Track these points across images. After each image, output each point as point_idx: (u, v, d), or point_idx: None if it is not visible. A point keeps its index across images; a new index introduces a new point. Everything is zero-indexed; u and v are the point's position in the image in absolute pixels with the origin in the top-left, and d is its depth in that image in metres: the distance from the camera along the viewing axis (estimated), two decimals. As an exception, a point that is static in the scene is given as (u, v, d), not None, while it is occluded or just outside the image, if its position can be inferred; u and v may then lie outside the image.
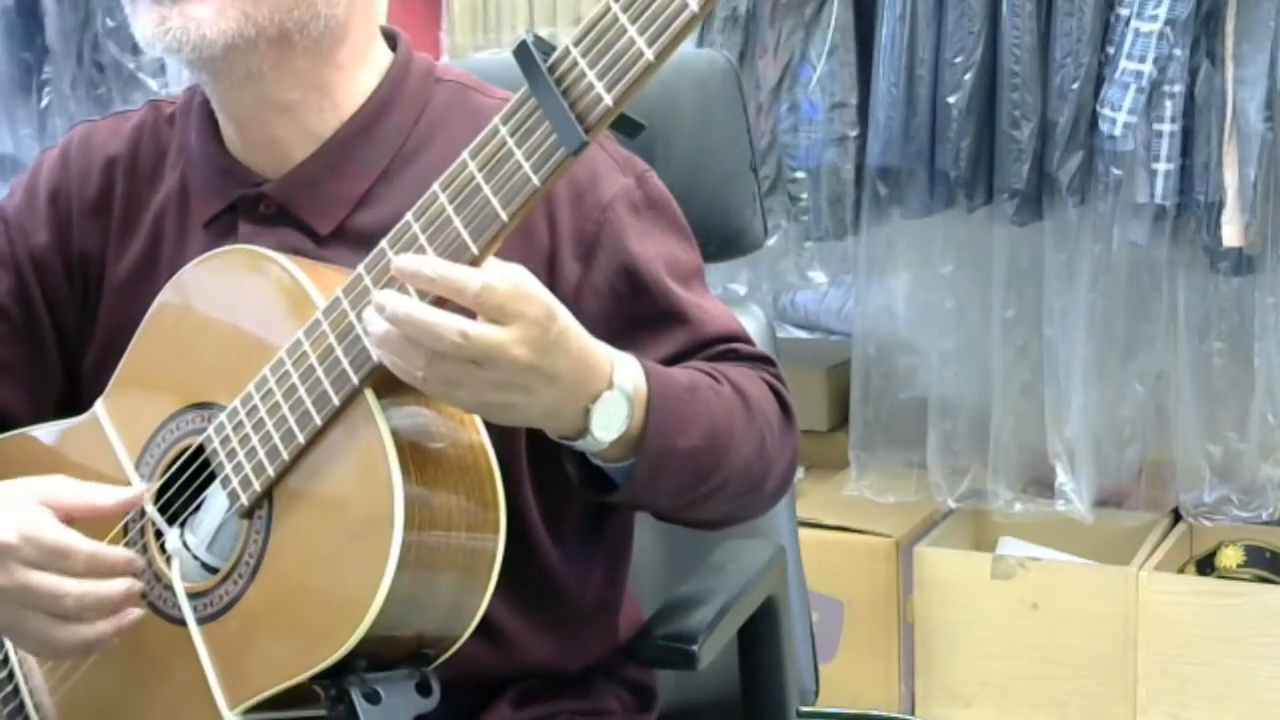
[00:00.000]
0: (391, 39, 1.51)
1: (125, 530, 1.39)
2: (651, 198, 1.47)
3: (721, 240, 1.84)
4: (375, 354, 1.20)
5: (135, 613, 1.33)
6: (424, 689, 1.26)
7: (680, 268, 1.46)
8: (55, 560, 1.30)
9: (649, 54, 1.11)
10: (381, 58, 1.49)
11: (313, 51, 1.42)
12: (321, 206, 1.44)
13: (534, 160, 1.15)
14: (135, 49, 3.42)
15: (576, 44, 1.14)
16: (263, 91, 1.42)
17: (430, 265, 1.17)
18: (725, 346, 1.43)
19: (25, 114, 3.57)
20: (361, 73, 1.47)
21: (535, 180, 1.16)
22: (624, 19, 1.12)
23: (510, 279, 1.17)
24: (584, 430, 1.25)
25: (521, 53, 1.14)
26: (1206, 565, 3.01)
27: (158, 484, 1.38)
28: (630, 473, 1.30)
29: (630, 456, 1.29)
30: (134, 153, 1.54)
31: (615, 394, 1.25)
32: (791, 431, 1.45)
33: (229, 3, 1.36)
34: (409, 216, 1.22)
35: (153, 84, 3.41)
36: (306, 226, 1.44)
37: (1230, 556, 2.98)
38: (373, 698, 1.22)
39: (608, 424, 1.25)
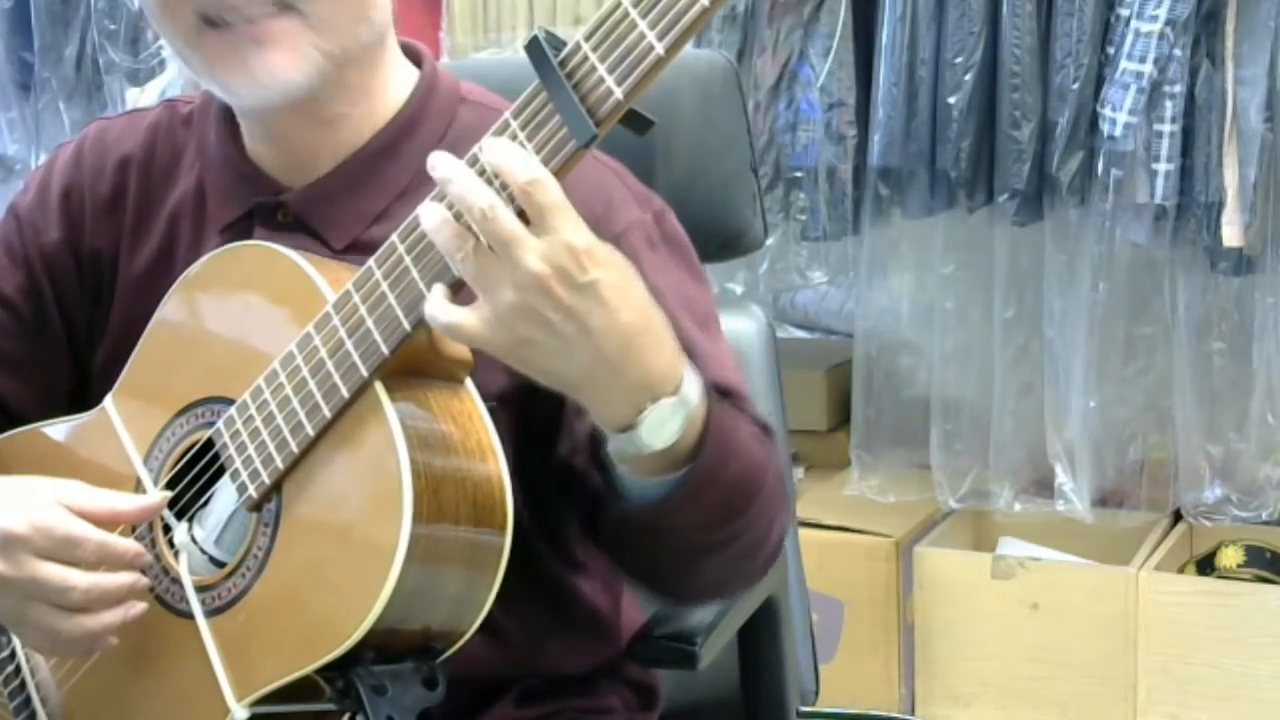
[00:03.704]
0: (416, 55, 1.51)
1: (134, 525, 1.38)
2: (668, 234, 1.46)
3: (721, 240, 1.84)
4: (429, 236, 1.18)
5: (139, 606, 1.32)
6: (430, 682, 1.25)
7: (693, 306, 1.41)
8: (66, 550, 1.29)
9: (659, 48, 1.11)
10: (405, 69, 1.49)
11: (361, 61, 1.42)
12: (338, 221, 1.44)
13: (545, 153, 1.16)
14: (133, 50, 3.43)
15: (587, 38, 1.14)
16: (314, 109, 1.42)
17: (504, 146, 1.15)
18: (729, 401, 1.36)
19: (25, 114, 3.58)
20: (394, 78, 1.47)
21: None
22: (634, 13, 1.12)
23: (564, 196, 1.14)
24: (630, 427, 1.20)
25: (533, 47, 1.15)
26: (1206, 565, 3.02)
27: (165, 482, 1.38)
28: (670, 487, 1.25)
29: (661, 474, 1.25)
30: (149, 152, 1.53)
31: (676, 403, 1.20)
32: (785, 506, 1.38)
33: (303, 42, 1.37)
34: (420, 209, 1.22)
35: (151, 85, 3.42)
36: (321, 238, 1.44)
37: (1230, 556, 2.99)
38: (380, 690, 1.22)
39: (659, 430, 1.20)
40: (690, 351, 1.34)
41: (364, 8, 1.40)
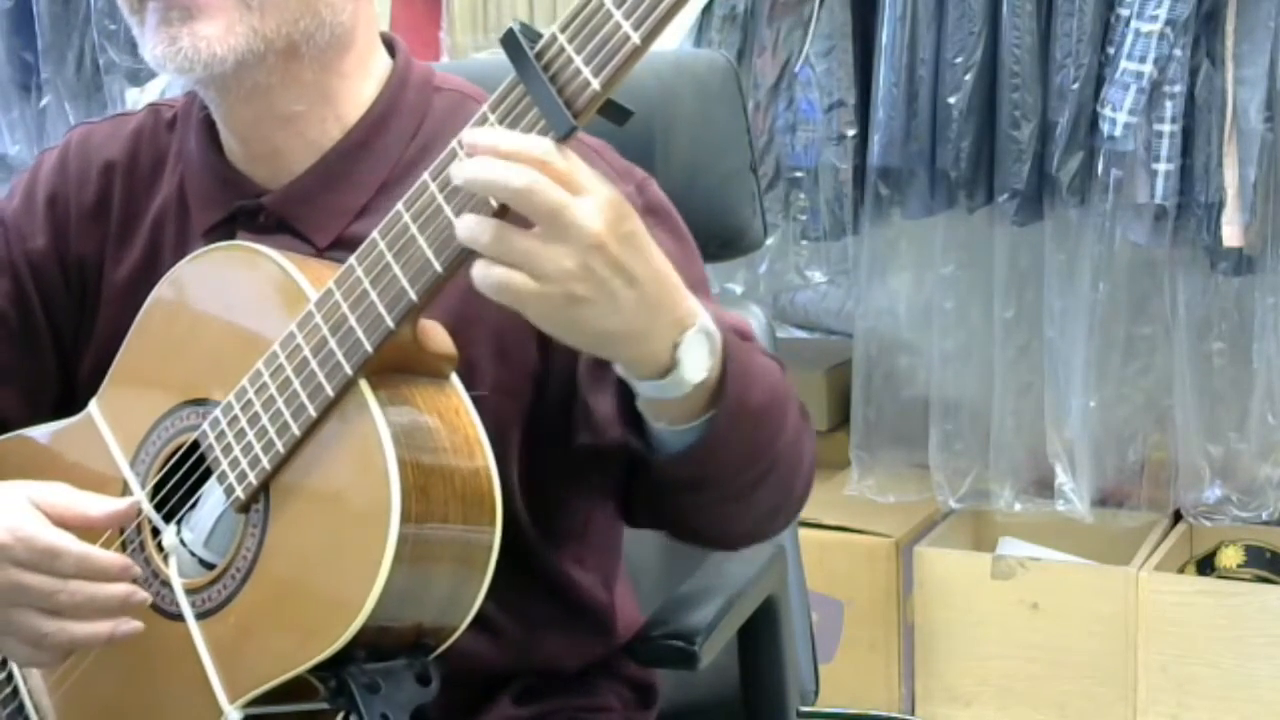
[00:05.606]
0: (390, 46, 1.50)
1: (122, 529, 1.38)
2: (651, 203, 1.44)
3: (721, 240, 1.84)
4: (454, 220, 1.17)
5: (133, 624, 1.31)
6: (423, 679, 1.25)
7: (682, 271, 1.40)
8: (46, 561, 1.29)
9: (635, 38, 1.11)
10: (381, 65, 1.48)
11: (319, 61, 1.41)
12: (320, 220, 1.44)
13: None
14: (133, 50, 3.42)
15: (563, 30, 1.14)
16: (268, 104, 1.42)
17: (503, 134, 1.14)
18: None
19: (25, 115, 3.58)
20: (363, 81, 1.46)
21: None
22: (609, 4, 1.12)
23: (580, 163, 1.14)
24: (670, 368, 1.20)
25: (509, 40, 1.15)
26: (1206, 565, 3.02)
27: (152, 485, 1.38)
28: (704, 429, 1.24)
29: (694, 418, 1.24)
30: (133, 158, 1.53)
31: (700, 331, 1.20)
32: (811, 432, 1.38)
33: (236, 19, 1.36)
34: (400, 206, 1.21)
35: (151, 85, 3.42)
36: (305, 238, 1.43)
37: (1230, 556, 2.99)
38: (373, 688, 1.22)
39: (696, 363, 1.20)
40: None
41: (312, 1, 1.39)
